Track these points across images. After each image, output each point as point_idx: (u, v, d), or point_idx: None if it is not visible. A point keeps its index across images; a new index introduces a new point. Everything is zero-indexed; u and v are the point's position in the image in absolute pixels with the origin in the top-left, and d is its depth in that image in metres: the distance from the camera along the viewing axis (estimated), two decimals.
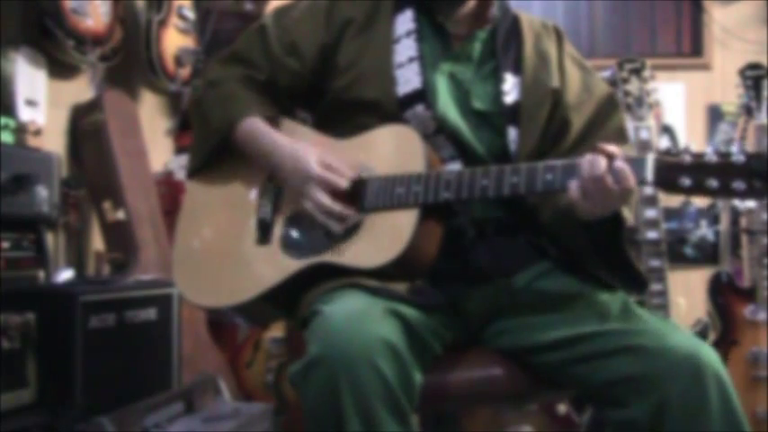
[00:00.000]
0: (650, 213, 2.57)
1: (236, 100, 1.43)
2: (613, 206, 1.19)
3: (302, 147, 1.37)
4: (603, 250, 1.29)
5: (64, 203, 2.36)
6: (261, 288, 1.34)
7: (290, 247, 1.35)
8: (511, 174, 1.22)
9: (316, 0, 1.47)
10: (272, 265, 1.34)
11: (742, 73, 2.73)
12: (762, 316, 2.61)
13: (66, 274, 2.39)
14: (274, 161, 1.38)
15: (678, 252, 3.36)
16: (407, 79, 1.38)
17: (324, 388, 1.07)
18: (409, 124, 1.35)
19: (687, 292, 3.17)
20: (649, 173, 1.13)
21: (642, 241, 2.56)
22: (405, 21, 1.43)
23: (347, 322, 1.11)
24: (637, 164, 1.14)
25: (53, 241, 2.42)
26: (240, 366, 2.97)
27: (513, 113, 1.39)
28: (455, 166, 1.35)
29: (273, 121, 1.44)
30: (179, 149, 3.21)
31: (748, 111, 2.72)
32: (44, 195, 2.20)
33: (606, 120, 1.43)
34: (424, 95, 1.37)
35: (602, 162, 1.15)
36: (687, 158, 1.10)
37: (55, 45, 2.43)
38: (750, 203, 2.70)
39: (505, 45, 1.44)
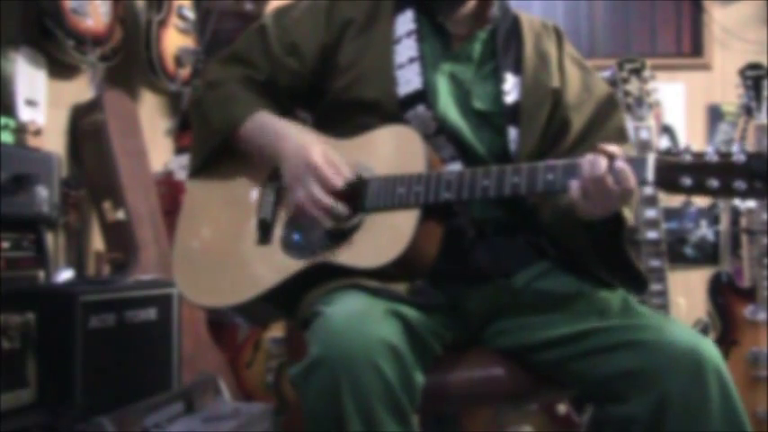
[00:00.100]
0: (650, 213, 2.57)
1: (237, 101, 1.43)
2: (614, 206, 1.19)
3: (309, 138, 1.37)
4: (604, 250, 1.29)
5: (64, 203, 2.36)
6: (261, 288, 1.34)
7: (290, 247, 1.35)
8: (512, 174, 1.22)
9: (316, 0, 1.47)
10: (273, 266, 1.34)
11: (742, 73, 2.73)
12: (762, 316, 2.61)
13: (66, 274, 2.39)
14: (279, 146, 1.37)
15: (678, 252, 3.36)
16: (408, 80, 1.38)
17: (325, 389, 1.07)
18: (410, 124, 1.35)
19: (687, 292, 3.17)
20: (650, 173, 1.13)
21: (642, 241, 2.56)
22: (405, 21, 1.43)
23: (348, 323, 1.11)
24: (637, 164, 1.14)
25: (53, 241, 2.42)
26: (240, 366, 2.97)
27: (513, 113, 1.39)
28: (455, 167, 1.35)
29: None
30: (179, 149, 3.21)
31: (748, 111, 2.72)
32: (44, 195, 2.20)
33: (606, 119, 1.43)
34: (424, 96, 1.38)
35: (602, 162, 1.15)
36: (688, 158, 1.10)
37: (55, 45, 2.44)
38: (750, 203, 2.70)
39: (506, 45, 1.44)
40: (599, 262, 1.32)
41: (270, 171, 1.43)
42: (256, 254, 1.38)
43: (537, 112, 1.41)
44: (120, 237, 2.60)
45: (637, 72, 2.64)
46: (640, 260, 2.54)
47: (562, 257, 1.39)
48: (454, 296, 1.35)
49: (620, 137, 1.41)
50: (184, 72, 3.04)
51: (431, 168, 1.28)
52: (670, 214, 3.28)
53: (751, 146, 2.75)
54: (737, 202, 2.91)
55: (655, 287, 2.55)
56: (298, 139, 1.36)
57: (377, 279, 1.23)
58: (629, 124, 2.55)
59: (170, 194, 2.91)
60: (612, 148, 1.16)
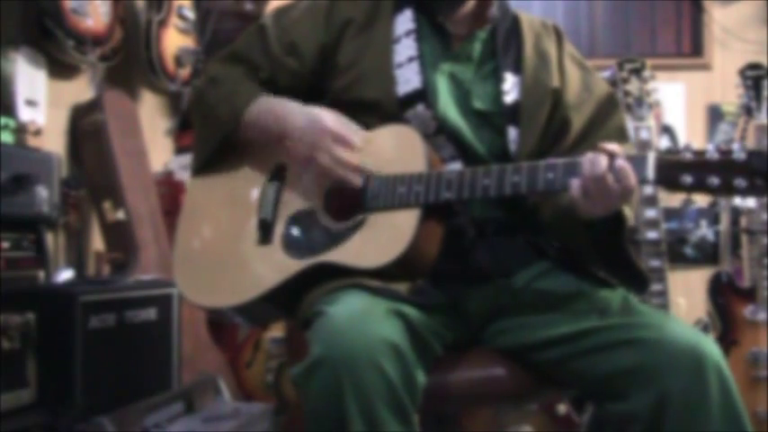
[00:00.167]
0: (650, 213, 2.57)
1: (239, 92, 1.43)
2: (614, 205, 1.19)
3: (314, 108, 1.37)
4: (605, 249, 1.29)
5: (64, 203, 2.35)
6: (262, 288, 1.33)
7: (291, 247, 1.35)
8: (512, 173, 1.22)
9: (315, 0, 1.47)
10: (274, 266, 1.34)
11: (742, 73, 2.73)
12: (762, 316, 2.61)
13: (66, 274, 2.39)
14: (287, 122, 1.37)
15: (678, 252, 3.36)
16: (407, 79, 1.38)
17: (327, 388, 1.07)
18: (410, 124, 1.35)
19: (687, 292, 3.17)
20: (651, 171, 1.13)
21: (642, 241, 2.56)
22: (404, 20, 1.43)
23: (350, 323, 1.11)
24: (638, 162, 1.14)
25: (53, 241, 2.42)
26: (240, 366, 2.97)
27: (513, 113, 1.39)
28: (455, 166, 1.35)
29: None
30: (179, 149, 3.21)
31: (748, 111, 2.72)
32: (44, 195, 2.20)
33: (606, 119, 1.43)
34: (424, 95, 1.38)
35: (603, 161, 1.15)
36: (688, 156, 1.10)
37: (55, 45, 2.43)
38: (750, 203, 2.70)
39: (505, 45, 1.44)
40: (600, 261, 1.32)
41: (270, 171, 1.43)
42: (257, 254, 1.37)
43: (537, 112, 1.41)
44: (120, 237, 2.59)
45: (637, 72, 2.64)
46: (641, 260, 2.54)
47: (562, 257, 1.39)
48: (455, 296, 1.35)
49: (621, 136, 1.41)
50: (184, 72, 3.04)
51: (431, 168, 1.28)
52: (670, 214, 3.28)
53: (751, 146, 2.75)
54: (738, 201, 2.91)
55: (655, 287, 2.55)
56: (304, 111, 1.36)
57: (378, 279, 1.23)
58: (629, 124, 2.55)
59: (170, 194, 2.91)
60: (613, 146, 1.17)
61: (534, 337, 1.29)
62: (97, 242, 2.67)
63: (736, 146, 1.07)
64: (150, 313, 2.22)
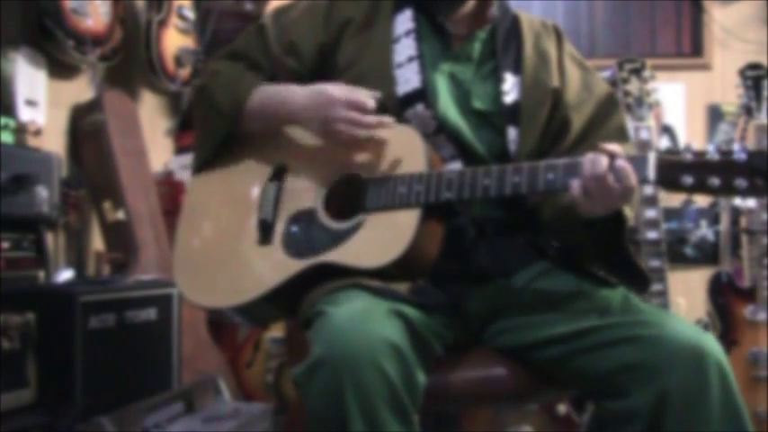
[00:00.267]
0: (650, 213, 2.57)
1: (242, 82, 1.43)
2: (615, 205, 1.19)
3: (318, 84, 1.36)
4: (605, 249, 1.29)
5: (64, 203, 2.35)
6: (262, 288, 1.33)
7: (291, 247, 1.35)
8: (512, 173, 1.22)
9: (315, 0, 1.47)
10: (274, 266, 1.34)
11: (742, 73, 2.73)
12: (762, 316, 2.61)
13: (66, 274, 2.39)
14: (294, 102, 1.37)
15: (678, 252, 3.35)
16: (407, 79, 1.39)
17: (328, 389, 1.07)
18: (410, 124, 1.35)
19: (687, 292, 3.17)
20: (651, 171, 1.13)
21: (642, 241, 2.56)
22: (404, 20, 1.43)
23: (351, 323, 1.11)
24: (638, 162, 1.14)
25: (53, 241, 2.42)
26: (240, 366, 2.97)
27: (513, 113, 1.40)
28: (455, 166, 1.35)
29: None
30: (179, 149, 3.21)
31: (748, 111, 2.72)
32: (44, 195, 2.20)
33: (606, 119, 1.43)
34: (423, 95, 1.38)
35: (603, 161, 1.15)
36: (689, 157, 1.10)
37: (55, 45, 2.43)
38: (751, 203, 2.70)
39: (505, 45, 1.44)
40: (600, 260, 1.32)
41: (270, 171, 1.43)
42: (257, 254, 1.37)
43: (537, 112, 1.41)
44: (120, 237, 2.59)
45: (637, 72, 2.64)
46: (640, 260, 2.54)
47: (562, 257, 1.39)
48: (455, 296, 1.35)
49: (621, 136, 1.41)
50: (184, 72, 3.04)
51: (431, 167, 1.28)
52: (670, 214, 3.28)
53: (751, 146, 2.74)
54: (738, 201, 2.91)
55: (655, 287, 2.55)
56: (307, 90, 1.36)
57: (378, 279, 1.23)
58: (629, 124, 2.55)
59: (170, 194, 2.91)
60: (613, 146, 1.17)
61: (534, 337, 1.29)
62: (97, 242, 2.67)
63: (736, 146, 1.07)
64: (150, 313, 2.22)
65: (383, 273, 1.24)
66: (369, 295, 1.19)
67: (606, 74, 2.75)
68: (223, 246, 1.42)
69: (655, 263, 2.57)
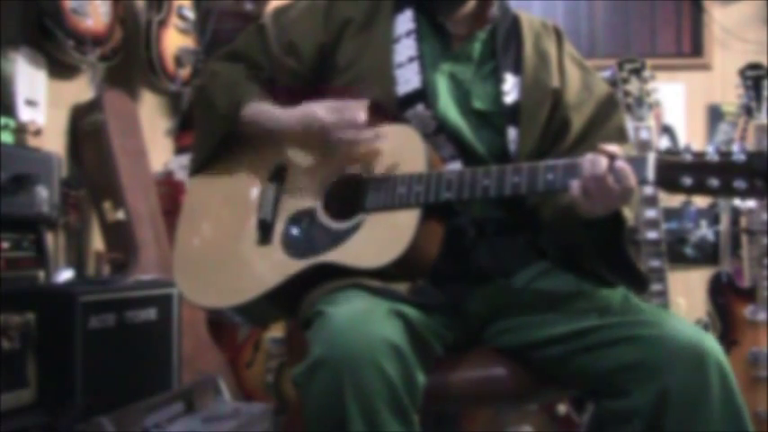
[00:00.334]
0: (650, 213, 2.57)
1: (241, 85, 1.43)
2: (614, 206, 1.19)
3: (307, 106, 1.36)
4: (604, 250, 1.29)
5: (64, 203, 2.35)
6: (262, 288, 1.33)
7: (291, 247, 1.35)
8: (512, 173, 1.22)
9: (314, 0, 1.47)
10: (274, 266, 1.34)
11: (742, 73, 2.73)
12: (762, 316, 2.61)
13: (66, 274, 2.39)
14: (287, 122, 1.38)
15: (678, 252, 3.35)
16: (407, 79, 1.39)
17: (327, 389, 1.07)
18: (410, 124, 1.35)
19: (687, 292, 3.17)
20: (650, 172, 1.13)
21: (642, 241, 2.56)
22: (404, 20, 1.43)
23: (350, 323, 1.11)
24: (638, 163, 1.14)
25: (53, 241, 2.42)
26: (240, 366, 2.97)
27: (513, 113, 1.40)
28: (455, 166, 1.35)
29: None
30: (179, 149, 3.21)
31: (748, 111, 2.72)
32: (44, 195, 2.20)
33: (606, 119, 1.43)
34: (423, 95, 1.38)
35: (603, 161, 1.15)
36: (688, 158, 1.10)
37: (55, 45, 2.43)
38: (750, 203, 2.70)
39: (505, 45, 1.44)
40: (599, 261, 1.32)
41: (270, 171, 1.43)
42: (257, 254, 1.37)
43: (537, 112, 1.41)
44: (120, 237, 2.59)
45: (637, 72, 2.64)
46: (640, 260, 2.54)
47: (562, 257, 1.39)
48: (455, 296, 1.35)
49: (621, 137, 1.41)
50: (184, 72, 3.04)
51: (431, 168, 1.28)
52: (670, 214, 3.28)
53: (751, 146, 2.74)
54: (738, 201, 2.91)
55: (655, 287, 2.55)
56: (297, 113, 1.37)
57: (378, 279, 1.23)
58: (629, 124, 2.55)
59: (170, 194, 2.91)
60: (613, 147, 1.17)
61: (535, 336, 1.29)
62: (97, 242, 2.67)
63: (735, 147, 1.07)
64: (150, 313, 2.22)
65: (383, 273, 1.24)
66: (368, 295, 1.19)
67: (606, 74, 2.75)
68: (223, 246, 1.42)
69: (655, 263, 2.56)
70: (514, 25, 1.47)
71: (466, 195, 1.24)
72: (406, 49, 1.41)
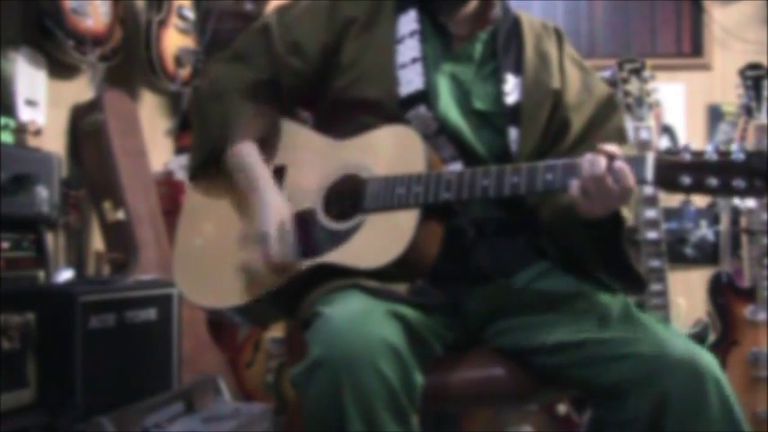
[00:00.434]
0: (650, 213, 2.56)
1: (235, 116, 1.41)
2: (613, 206, 1.19)
3: (275, 200, 1.35)
4: (603, 250, 1.29)
5: (64, 203, 2.35)
6: (262, 288, 1.33)
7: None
8: (511, 174, 1.22)
9: None
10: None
11: (742, 73, 2.73)
12: (762, 316, 2.61)
13: (66, 274, 2.39)
14: (247, 189, 1.38)
15: (678, 252, 3.35)
16: (410, 80, 1.38)
17: (326, 389, 1.07)
18: (410, 124, 1.35)
19: (687, 292, 3.16)
20: (649, 172, 1.13)
21: (642, 241, 2.56)
22: (408, 21, 1.43)
23: (349, 324, 1.11)
24: (637, 163, 1.14)
25: (53, 241, 2.42)
26: (240, 366, 2.97)
27: (513, 114, 1.40)
28: (456, 167, 1.35)
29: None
30: (179, 149, 3.21)
31: (748, 111, 2.72)
32: (44, 195, 2.20)
33: (606, 120, 1.43)
34: (425, 96, 1.38)
35: (602, 161, 1.15)
36: (687, 157, 1.10)
37: (55, 45, 2.43)
38: (750, 203, 2.69)
39: (506, 46, 1.44)
40: (598, 261, 1.32)
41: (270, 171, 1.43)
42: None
43: (537, 113, 1.41)
44: (120, 237, 2.59)
45: (637, 72, 2.64)
46: (639, 261, 2.54)
47: (562, 257, 1.39)
48: (455, 296, 1.35)
49: (620, 137, 1.41)
50: (184, 72, 3.03)
51: (431, 168, 1.28)
52: (670, 214, 3.28)
53: (751, 146, 2.74)
54: (737, 201, 2.91)
55: (655, 287, 2.55)
56: (267, 194, 1.36)
57: (377, 279, 1.23)
58: (629, 124, 2.55)
59: (170, 194, 2.91)
60: (612, 147, 1.17)
61: (533, 341, 1.29)
62: (97, 242, 2.68)
63: (735, 146, 1.07)
64: (150, 313, 2.22)
65: (383, 273, 1.24)
66: (367, 296, 1.19)
67: (606, 74, 2.75)
68: (223, 246, 1.42)
69: (655, 263, 2.56)
70: (515, 26, 1.48)
71: (465, 196, 1.24)
72: (409, 49, 1.40)
